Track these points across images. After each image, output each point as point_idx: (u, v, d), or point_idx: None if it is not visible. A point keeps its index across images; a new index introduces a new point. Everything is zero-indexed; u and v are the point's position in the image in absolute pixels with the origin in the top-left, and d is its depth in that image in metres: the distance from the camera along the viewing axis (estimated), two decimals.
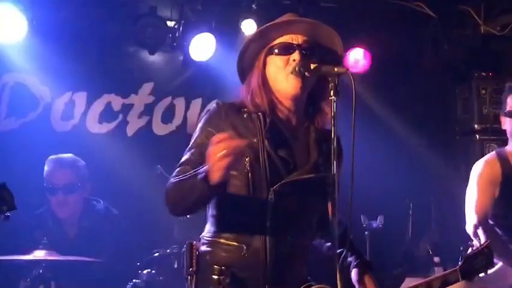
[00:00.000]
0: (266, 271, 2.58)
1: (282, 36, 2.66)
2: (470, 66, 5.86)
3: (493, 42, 6.10)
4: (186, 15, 5.58)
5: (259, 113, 2.64)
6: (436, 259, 5.53)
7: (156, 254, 4.51)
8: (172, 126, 5.93)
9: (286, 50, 2.63)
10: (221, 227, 2.66)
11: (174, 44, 5.62)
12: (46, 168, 4.39)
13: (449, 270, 3.03)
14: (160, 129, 5.90)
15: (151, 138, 5.84)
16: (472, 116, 5.53)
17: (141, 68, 5.87)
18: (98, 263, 3.98)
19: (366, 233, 5.17)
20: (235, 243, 2.60)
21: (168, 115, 5.91)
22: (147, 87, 5.86)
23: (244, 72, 2.77)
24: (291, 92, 2.62)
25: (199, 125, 2.70)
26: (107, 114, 5.75)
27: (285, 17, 2.72)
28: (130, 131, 5.82)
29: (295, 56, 2.60)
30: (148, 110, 5.86)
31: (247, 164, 2.56)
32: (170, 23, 5.60)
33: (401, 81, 6.11)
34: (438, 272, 5.54)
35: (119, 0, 5.45)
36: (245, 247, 2.58)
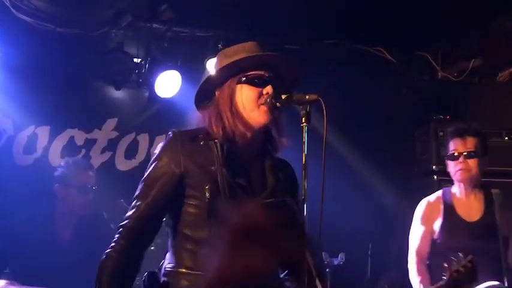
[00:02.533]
0: None
1: (253, 67, 2.70)
2: (428, 110, 6.02)
3: (450, 87, 6.30)
4: (153, 52, 5.64)
5: (216, 141, 2.65)
6: None
7: None
8: (135, 162, 5.93)
9: (259, 82, 2.67)
10: (182, 256, 2.62)
11: (140, 81, 5.68)
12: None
13: (434, 286, 3.24)
14: (123, 164, 5.90)
15: (114, 173, 5.82)
16: (430, 157, 5.65)
17: (106, 103, 5.89)
18: None
19: (328, 270, 5.20)
20: (198, 272, 2.59)
21: (131, 151, 5.92)
22: (111, 122, 5.87)
23: (202, 97, 2.77)
24: (262, 122, 2.66)
25: (155, 154, 2.70)
26: (70, 149, 5.73)
27: (253, 48, 2.76)
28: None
29: (268, 89, 2.64)
30: (112, 145, 5.86)
31: (208, 193, 2.58)
32: (137, 60, 5.65)
33: (363, 124, 6.24)
34: None
35: (86, 35, 5.48)
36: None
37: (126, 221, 2.63)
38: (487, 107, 6.05)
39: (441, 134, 5.63)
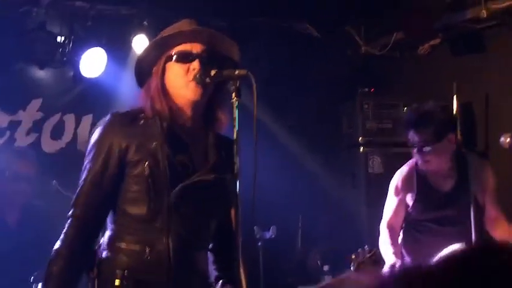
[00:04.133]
0: (170, 273, 2.61)
1: (181, 44, 2.70)
2: (353, 84, 6.15)
3: (374, 61, 6.45)
4: (76, 31, 5.53)
5: (156, 118, 2.67)
6: (326, 267, 5.73)
7: None
8: (62, 143, 5.81)
9: (186, 58, 2.67)
10: (122, 232, 2.66)
11: (64, 60, 5.55)
12: None
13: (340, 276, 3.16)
14: (49, 146, 5.76)
15: (41, 155, 5.69)
16: (356, 130, 5.79)
17: (29, 84, 5.73)
18: None
19: (259, 243, 5.28)
20: (137, 247, 2.61)
21: (57, 132, 5.80)
22: (36, 103, 5.73)
23: (141, 77, 2.79)
24: (192, 99, 2.67)
25: (94, 138, 2.69)
26: None
27: (185, 25, 2.77)
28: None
29: (195, 64, 2.65)
30: (37, 126, 5.72)
31: (147, 169, 2.60)
32: (60, 39, 5.53)
33: (290, 99, 6.32)
34: (328, 280, 5.75)
35: (6, 15, 5.33)
36: (148, 250, 2.60)
37: (73, 210, 2.62)
38: (409, 80, 6.25)
39: (366, 106, 5.78)
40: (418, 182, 4.12)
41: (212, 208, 2.74)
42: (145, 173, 2.59)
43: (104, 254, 2.67)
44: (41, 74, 5.64)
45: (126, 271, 2.59)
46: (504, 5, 5.11)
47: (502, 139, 3.97)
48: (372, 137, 5.72)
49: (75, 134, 5.86)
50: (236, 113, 2.47)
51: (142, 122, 2.67)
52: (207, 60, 2.67)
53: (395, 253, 4.07)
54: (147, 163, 2.59)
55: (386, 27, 6.25)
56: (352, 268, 3.37)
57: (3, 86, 5.58)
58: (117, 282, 2.59)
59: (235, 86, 2.50)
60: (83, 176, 2.64)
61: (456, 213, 4.09)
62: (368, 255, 3.45)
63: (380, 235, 4.22)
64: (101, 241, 2.73)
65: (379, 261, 3.49)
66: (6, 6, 5.26)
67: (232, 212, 2.61)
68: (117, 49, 5.55)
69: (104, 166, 2.62)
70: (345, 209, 5.75)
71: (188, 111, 2.71)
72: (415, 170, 4.14)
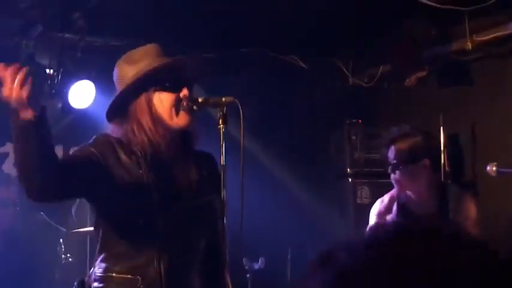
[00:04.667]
0: None
1: (165, 73, 2.72)
2: (341, 114, 6.19)
3: (361, 92, 6.50)
4: (65, 63, 5.55)
5: (139, 146, 2.68)
6: None
7: None
8: None
9: (174, 87, 2.69)
10: (113, 261, 2.64)
11: (53, 92, 5.55)
12: None
13: None
14: None
15: None
16: (344, 160, 5.80)
17: None
18: None
19: (248, 275, 5.24)
20: (129, 276, 2.60)
21: None
22: None
23: (114, 113, 2.78)
24: (183, 126, 2.70)
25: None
26: None
27: (157, 52, 2.79)
28: None
29: (185, 92, 2.68)
30: None
31: (137, 197, 2.60)
32: (49, 71, 5.54)
33: (279, 129, 6.34)
34: None
35: None
36: (140, 279, 2.58)
37: None
38: (396, 111, 6.29)
39: (354, 137, 5.80)
40: (398, 210, 4.05)
41: (200, 230, 2.74)
42: (135, 202, 2.58)
43: (96, 284, 2.65)
44: None
45: None
46: (488, 37, 5.17)
47: (488, 168, 4.00)
48: (360, 168, 5.73)
49: None
50: (223, 139, 2.48)
51: (125, 147, 2.68)
52: (190, 84, 2.70)
53: None
54: (136, 190, 2.58)
55: (373, 59, 6.31)
56: None
57: None
58: None
59: (222, 112, 2.51)
60: None
61: None
62: None
63: None
64: (91, 271, 2.71)
65: None
66: None
67: (219, 225, 2.63)
68: (106, 80, 5.52)
69: (88, 155, 2.62)
70: (333, 239, 5.72)
71: (169, 136, 2.72)
72: (396, 198, 4.09)
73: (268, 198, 5.81)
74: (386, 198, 4.19)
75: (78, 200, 4.93)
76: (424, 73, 5.91)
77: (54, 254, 4.69)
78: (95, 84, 5.50)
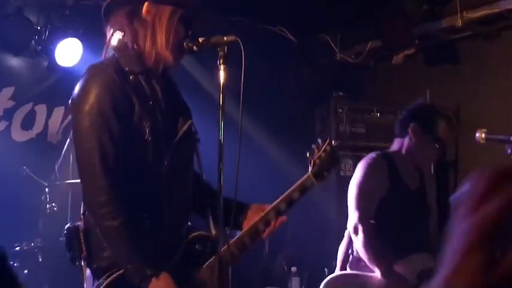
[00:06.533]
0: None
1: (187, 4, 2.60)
2: (327, 89, 6.19)
3: (348, 69, 6.51)
4: (53, 20, 5.48)
5: (144, 74, 2.56)
6: (293, 269, 5.71)
7: (18, 248, 4.35)
8: (32, 133, 5.73)
9: (188, 23, 2.59)
10: (119, 196, 2.46)
11: (39, 48, 5.48)
12: None
13: (302, 178, 2.86)
14: (19, 135, 5.67)
15: (10, 143, 5.60)
16: (329, 133, 5.80)
17: (2, 71, 5.64)
18: None
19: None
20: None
21: (28, 122, 5.71)
22: (7, 91, 5.64)
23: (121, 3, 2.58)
24: (174, 64, 2.65)
25: (89, 96, 2.44)
26: None
27: None
28: None
29: (190, 32, 2.59)
30: (8, 115, 5.62)
31: (147, 131, 2.50)
32: (36, 27, 5.46)
33: (267, 102, 6.31)
34: (295, 282, 5.73)
35: None
36: (145, 215, 2.53)
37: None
38: (383, 87, 6.31)
39: (340, 110, 5.81)
40: (390, 175, 3.85)
41: (192, 156, 2.73)
42: (146, 136, 2.49)
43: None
44: (15, 62, 5.57)
45: None
46: (479, 14, 5.21)
47: (477, 134, 4.00)
48: (344, 141, 5.74)
49: (46, 125, 5.78)
50: (223, 77, 2.44)
51: (131, 78, 2.53)
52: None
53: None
54: (147, 124, 2.50)
55: (361, 36, 6.31)
56: (309, 167, 2.89)
57: None
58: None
59: (223, 52, 2.46)
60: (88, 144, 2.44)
61: (421, 215, 3.96)
62: (323, 146, 3.07)
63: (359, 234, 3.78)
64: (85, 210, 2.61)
65: (334, 151, 3.12)
66: None
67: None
68: (94, 39, 5.47)
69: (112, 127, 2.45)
70: (314, 211, 5.73)
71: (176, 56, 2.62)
72: (385, 162, 3.88)
73: (254, 170, 5.80)
74: (373, 159, 3.92)
75: (62, 155, 4.88)
76: (412, 50, 5.93)
77: (38, 205, 4.64)
78: (82, 42, 5.43)
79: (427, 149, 3.92)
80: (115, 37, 2.61)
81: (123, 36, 2.58)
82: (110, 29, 2.62)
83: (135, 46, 2.57)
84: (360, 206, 3.82)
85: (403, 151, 3.95)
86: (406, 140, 3.93)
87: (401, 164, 3.91)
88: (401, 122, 4.02)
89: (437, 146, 3.90)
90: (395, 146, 4.02)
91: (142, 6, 2.54)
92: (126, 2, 2.57)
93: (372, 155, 3.93)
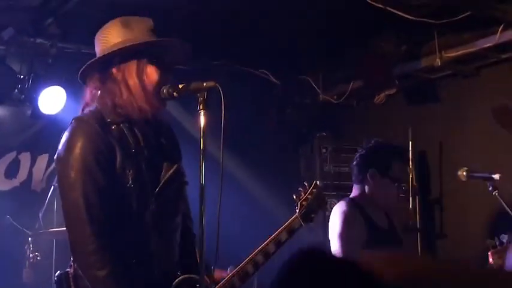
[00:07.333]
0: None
1: (154, 51, 2.66)
2: (311, 129, 6.23)
3: (331, 108, 6.56)
4: (36, 68, 5.49)
5: (126, 123, 2.61)
6: None
7: None
8: (16, 182, 5.71)
9: (165, 68, 2.64)
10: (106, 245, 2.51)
11: (22, 97, 5.48)
12: None
13: (290, 219, 2.99)
14: (3, 184, 5.66)
15: None
16: (314, 173, 5.83)
17: None
18: None
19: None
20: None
21: (12, 170, 5.69)
22: None
23: (91, 71, 2.68)
24: (158, 111, 2.68)
25: (70, 146, 2.54)
26: None
27: (152, 27, 2.74)
28: None
29: (170, 76, 2.66)
30: None
31: (130, 178, 2.53)
32: (19, 76, 5.47)
33: (250, 142, 6.34)
34: None
35: None
36: (134, 261, 2.54)
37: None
38: (365, 126, 6.35)
39: (324, 150, 5.85)
40: (365, 220, 3.91)
41: (180, 201, 2.77)
42: (129, 184, 2.53)
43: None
44: None
45: None
46: (458, 53, 5.28)
47: (459, 173, 4.06)
48: (329, 180, 5.76)
49: (30, 173, 5.76)
50: (203, 122, 2.46)
51: (113, 127, 2.58)
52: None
53: None
54: (130, 172, 2.53)
55: (343, 76, 6.38)
56: (296, 209, 3.04)
57: None
58: None
59: (202, 97, 2.49)
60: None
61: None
62: (309, 189, 3.10)
63: None
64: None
65: (321, 192, 3.16)
66: None
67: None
68: (76, 87, 5.46)
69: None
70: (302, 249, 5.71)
71: (154, 105, 2.68)
72: (356, 209, 3.94)
73: (240, 210, 5.79)
74: (345, 206, 3.97)
75: (46, 203, 4.86)
76: (393, 90, 5.99)
77: (22, 254, 4.59)
78: (65, 90, 5.44)
79: (388, 190, 3.97)
80: (94, 95, 2.68)
81: (100, 95, 2.65)
82: (88, 90, 2.71)
83: (115, 102, 2.61)
84: (347, 256, 3.75)
85: (367, 195, 3.99)
86: (366, 186, 4.00)
87: (370, 208, 3.97)
88: (358, 169, 4.09)
89: (396, 185, 3.95)
90: (355, 192, 4.08)
91: (111, 70, 2.62)
92: (95, 69, 2.67)
93: (343, 204, 3.97)
